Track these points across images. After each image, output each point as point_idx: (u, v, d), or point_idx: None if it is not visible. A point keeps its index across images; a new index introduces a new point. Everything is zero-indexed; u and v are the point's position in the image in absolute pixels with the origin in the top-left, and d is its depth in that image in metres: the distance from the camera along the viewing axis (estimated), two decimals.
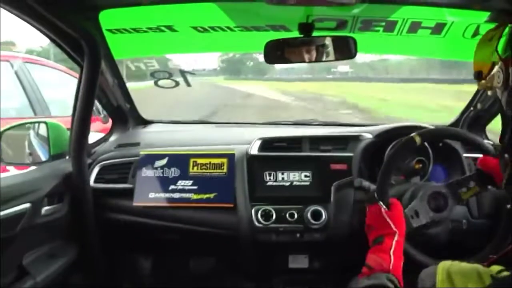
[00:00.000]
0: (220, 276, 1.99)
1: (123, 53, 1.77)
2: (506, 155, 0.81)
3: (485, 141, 1.51)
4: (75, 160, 1.63)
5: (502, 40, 0.80)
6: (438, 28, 1.58)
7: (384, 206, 1.21)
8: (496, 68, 0.78)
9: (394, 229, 1.14)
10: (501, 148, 0.83)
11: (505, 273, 0.64)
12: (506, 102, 0.77)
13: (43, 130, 1.69)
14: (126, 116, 2.03)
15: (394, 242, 1.11)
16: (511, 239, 1.30)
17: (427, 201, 1.33)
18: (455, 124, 1.92)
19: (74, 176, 1.63)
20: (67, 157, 1.66)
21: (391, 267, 1.05)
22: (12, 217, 1.29)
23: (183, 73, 2.10)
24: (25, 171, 1.61)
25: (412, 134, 1.32)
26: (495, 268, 0.67)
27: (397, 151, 1.38)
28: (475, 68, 0.86)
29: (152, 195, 1.68)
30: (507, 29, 0.79)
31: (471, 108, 1.82)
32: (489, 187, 1.33)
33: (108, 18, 1.55)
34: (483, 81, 0.84)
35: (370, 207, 1.26)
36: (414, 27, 1.58)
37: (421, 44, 1.68)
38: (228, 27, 1.63)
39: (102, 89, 1.78)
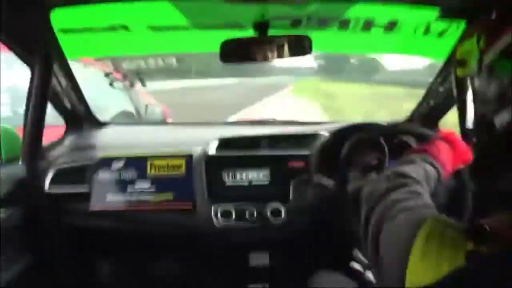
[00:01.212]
0: (183, 277, 1.98)
1: (76, 54, 1.72)
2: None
3: None
4: (28, 164, 1.59)
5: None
6: (390, 26, 1.61)
7: None
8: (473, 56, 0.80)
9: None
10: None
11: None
12: (476, 87, 0.78)
13: None
14: (80, 118, 1.98)
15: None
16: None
17: None
18: (408, 120, 1.97)
19: (28, 181, 1.58)
20: (20, 162, 1.60)
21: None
22: None
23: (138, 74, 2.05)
24: None
25: (347, 148, 1.39)
26: (469, 244, 0.67)
27: (341, 170, 1.45)
28: (458, 55, 0.88)
29: (109, 198, 1.65)
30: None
31: (424, 104, 1.86)
32: None
33: (59, 18, 1.50)
34: (465, 68, 0.85)
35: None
36: (368, 25, 1.60)
37: (375, 41, 1.71)
38: (183, 26, 1.61)
39: (55, 91, 1.73)
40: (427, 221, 0.73)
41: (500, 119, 0.70)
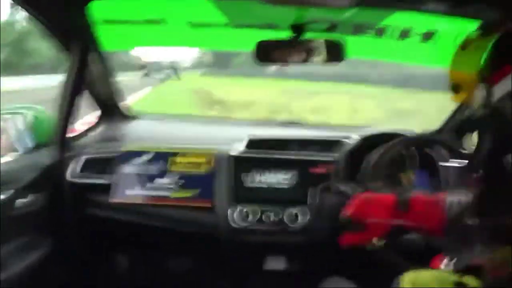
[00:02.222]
0: (198, 275, 1.99)
1: (113, 45, 1.75)
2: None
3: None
4: (56, 152, 1.62)
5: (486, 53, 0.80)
6: (428, 35, 1.59)
7: None
8: (477, 85, 0.78)
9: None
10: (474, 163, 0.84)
11: (470, 282, 0.64)
12: (483, 122, 0.77)
13: (28, 118, 1.66)
14: (113, 109, 2.02)
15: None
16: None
17: None
18: (439, 130, 1.92)
19: (54, 168, 1.61)
20: (48, 148, 1.64)
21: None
22: None
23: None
24: (6, 160, 1.59)
25: (373, 157, 1.32)
26: (457, 276, 0.67)
27: (365, 179, 1.38)
28: (451, 78, 0.85)
29: (130, 192, 1.66)
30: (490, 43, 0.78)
31: (456, 116, 1.82)
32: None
33: (99, 9, 1.54)
34: (460, 95, 0.83)
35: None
36: (405, 33, 1.59)
37: (411, 50, 1.69)
38: (221, 24, 1.62)
39: (90, 81, 1.76)
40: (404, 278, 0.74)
41: (508, 159, 0.69)
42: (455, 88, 0.84)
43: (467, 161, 1.38)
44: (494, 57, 0.75)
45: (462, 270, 0.66)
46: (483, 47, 0.80)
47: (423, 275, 0.71)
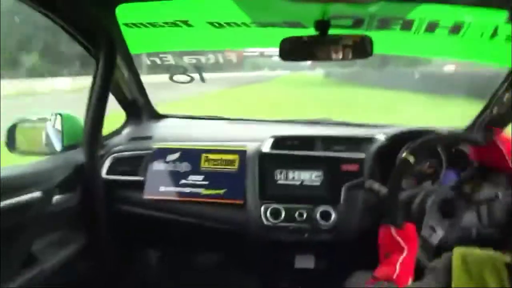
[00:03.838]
0: (227, 272, 2.00)
1: (138, 48, 1.78)
2: None
3: None
4: (87, 151, 1.66)
5: None
6: (456, 28, 1.55)
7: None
8: None
9: (403, 245, 1.14)
10: None
11: None
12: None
13: (58, 121, 1.70)
14: (140, 109, 2.06)
15: (402, 257, 1.12)
16: None
17: (437, 210, 1.30)
18: (470, 128, 1.88)
19: (86, 167, 1.65)
20: (80, 148, 1.67)
21: (395, 277, 1.05)
22: (23, 205, 1.31)
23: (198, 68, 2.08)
24: (39, 161, 1.64)
25: (404, 155, 1.25)
26: (508, 256, 0.66)
27: (395, 176, 1.28)
28: None
29: (162, 188, 1.70)
30: None
31: (487, 112, 1.78)
32: (499, 194, 1.27)
33: (125, 12, 1.56)
34: None
35: (381, 227, 1.24)
36: (432, 26, 1.56)
37: (439, 44, 1.65)
38: (244, 23, 1.62)
39: (117, 82, 1.80)
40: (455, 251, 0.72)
41: None
42: None
43: None
44: None
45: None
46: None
47: (475, 252, 0.69)
